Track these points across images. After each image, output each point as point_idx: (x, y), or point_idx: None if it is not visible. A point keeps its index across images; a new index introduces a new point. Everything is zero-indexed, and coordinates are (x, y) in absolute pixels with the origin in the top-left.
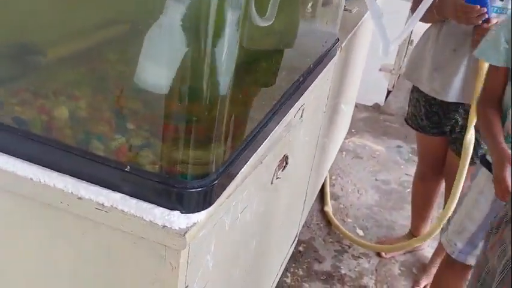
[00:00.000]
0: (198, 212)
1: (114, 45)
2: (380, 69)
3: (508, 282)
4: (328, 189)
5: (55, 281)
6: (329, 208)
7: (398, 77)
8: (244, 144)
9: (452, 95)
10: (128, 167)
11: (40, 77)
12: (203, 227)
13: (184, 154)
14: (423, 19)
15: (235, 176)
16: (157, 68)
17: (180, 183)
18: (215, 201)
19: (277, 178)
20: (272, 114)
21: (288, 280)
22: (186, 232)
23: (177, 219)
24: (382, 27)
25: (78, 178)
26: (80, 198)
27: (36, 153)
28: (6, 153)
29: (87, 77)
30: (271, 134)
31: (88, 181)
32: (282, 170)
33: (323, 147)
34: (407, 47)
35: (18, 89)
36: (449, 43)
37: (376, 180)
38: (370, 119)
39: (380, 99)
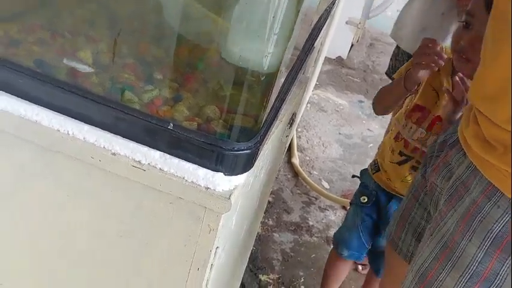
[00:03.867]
0: (240, 174)
1: None
2: (347, 22)
3: (455, 197)
4: (295, 141)
5: (73, 237)
6: (296, 160)
7: (363, 32)
8: (276, 104)
9: None
10: (171, 124)
11: (57, 13)
12: (242, 189)
13: (234, 116)
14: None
15: (268, 137)
16: (252, 42)
17: (228, 144)
18: (255, 163)
19: (286, 136)
20: (294, 73)
21: (259, 230)
22: (231, 195)
23: (221, 182)
24: None
25: (111, 132)
26: (114, 154)
27: (63, 102)
28: (29, 100)
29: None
30: (290, 92)
31: (123, 136)
32: (289, 127)
33: (302, 100)
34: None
35: (34, 26)
36: (437, 5)
37: (340, 134)
38: (333, 72)
39: (343, 52)
